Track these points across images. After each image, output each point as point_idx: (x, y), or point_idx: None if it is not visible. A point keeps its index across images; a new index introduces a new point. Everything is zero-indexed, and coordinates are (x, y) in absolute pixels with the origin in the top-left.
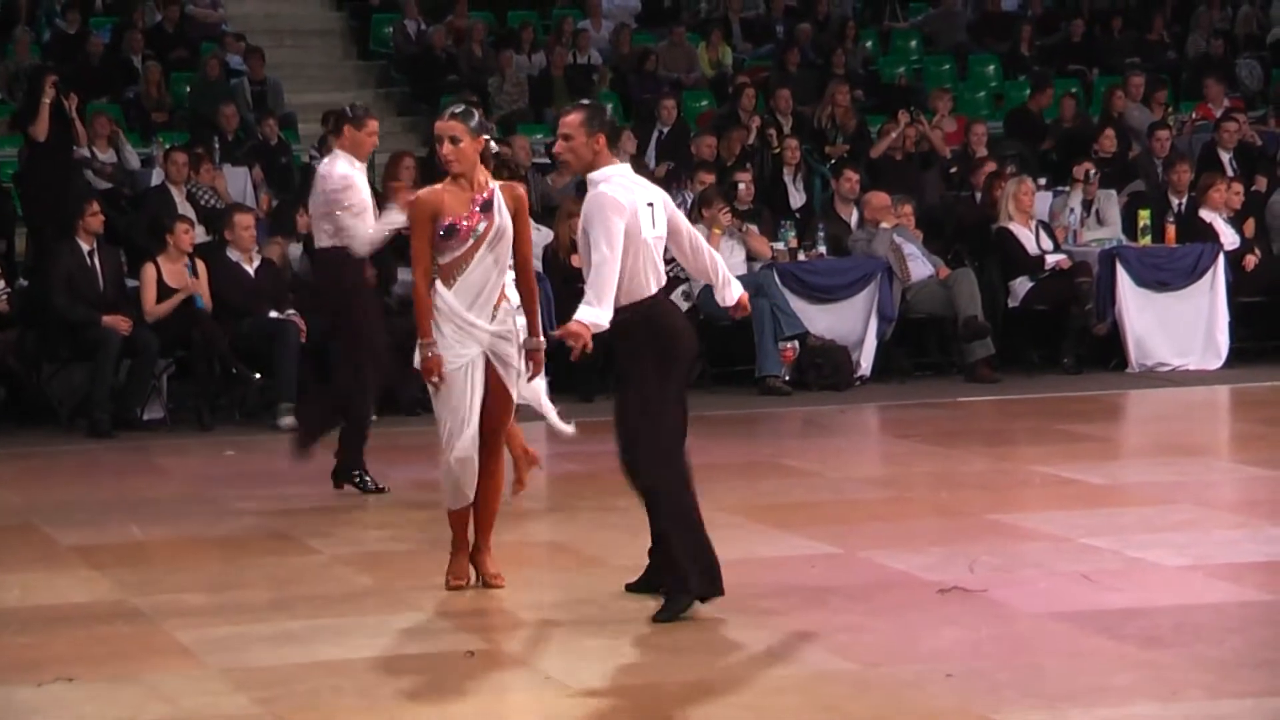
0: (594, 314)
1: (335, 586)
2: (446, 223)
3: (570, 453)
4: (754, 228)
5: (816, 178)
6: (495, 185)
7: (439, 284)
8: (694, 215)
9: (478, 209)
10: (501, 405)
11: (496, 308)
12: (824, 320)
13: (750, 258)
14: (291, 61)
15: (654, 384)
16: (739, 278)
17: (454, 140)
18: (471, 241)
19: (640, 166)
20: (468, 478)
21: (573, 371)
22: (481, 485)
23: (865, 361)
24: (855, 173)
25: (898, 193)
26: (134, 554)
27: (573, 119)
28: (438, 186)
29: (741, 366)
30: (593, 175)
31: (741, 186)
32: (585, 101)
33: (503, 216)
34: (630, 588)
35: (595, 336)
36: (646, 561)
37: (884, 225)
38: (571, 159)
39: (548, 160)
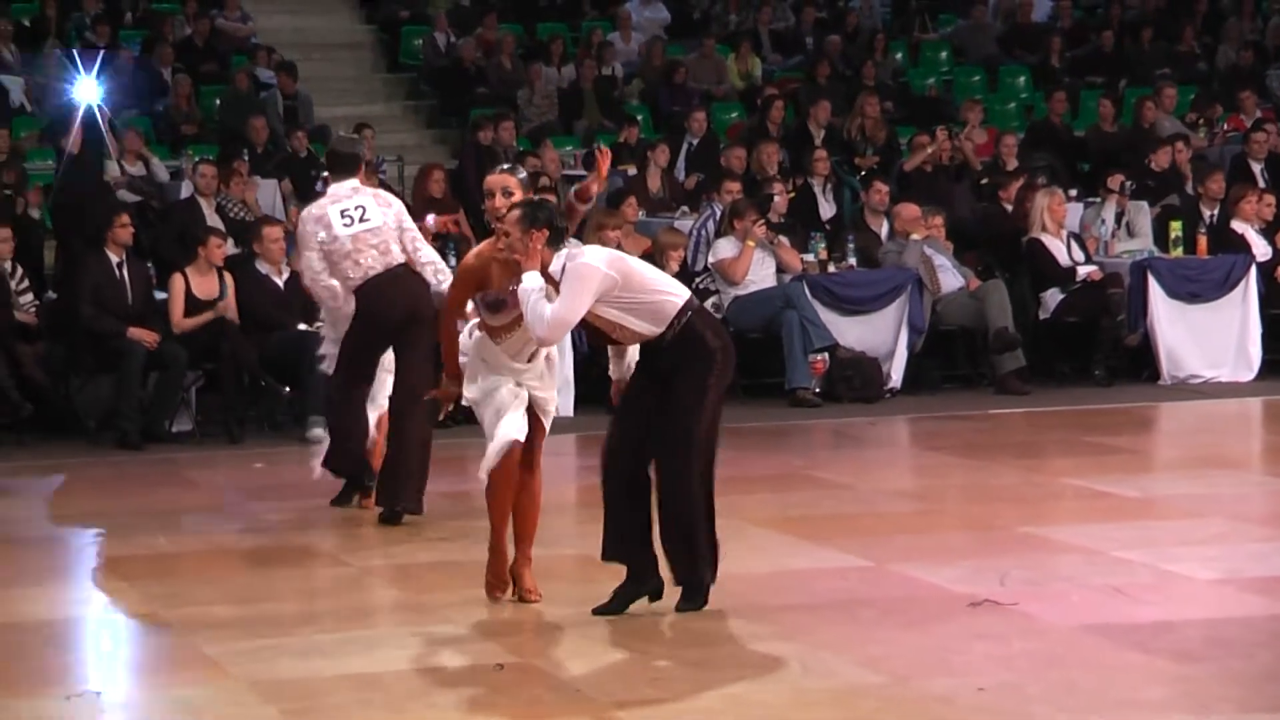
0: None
1: (364, 599)
2: (493, 296)
3: (598, 467)
4: (784, 240)
5: (846, 189)
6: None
7: (487, 339)
8: (725, 227)
9: (519, 284)
10: (537, 426)
11: (541, 360)
12: (854, 332)
13: (780, 269)
14: (321, 75)
15: (716, 394)
16: (769, 290)
17: (506, 193)
18: (517, 310)
19: (670, 179)
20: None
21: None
22: (520, 499)
23: (895, 373)
24: (885, 184)
25: (928, 204)
26: (162, 566)
27: (511, 216)
28: (486, 252)
29: (771, 379)
30: (552, 268)
31: (777, 199)
32: (535, 198)
33: (551, 285)
34: (601, 610)
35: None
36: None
37: (914, 237)
38: (517, 257)
39: (579, 172)
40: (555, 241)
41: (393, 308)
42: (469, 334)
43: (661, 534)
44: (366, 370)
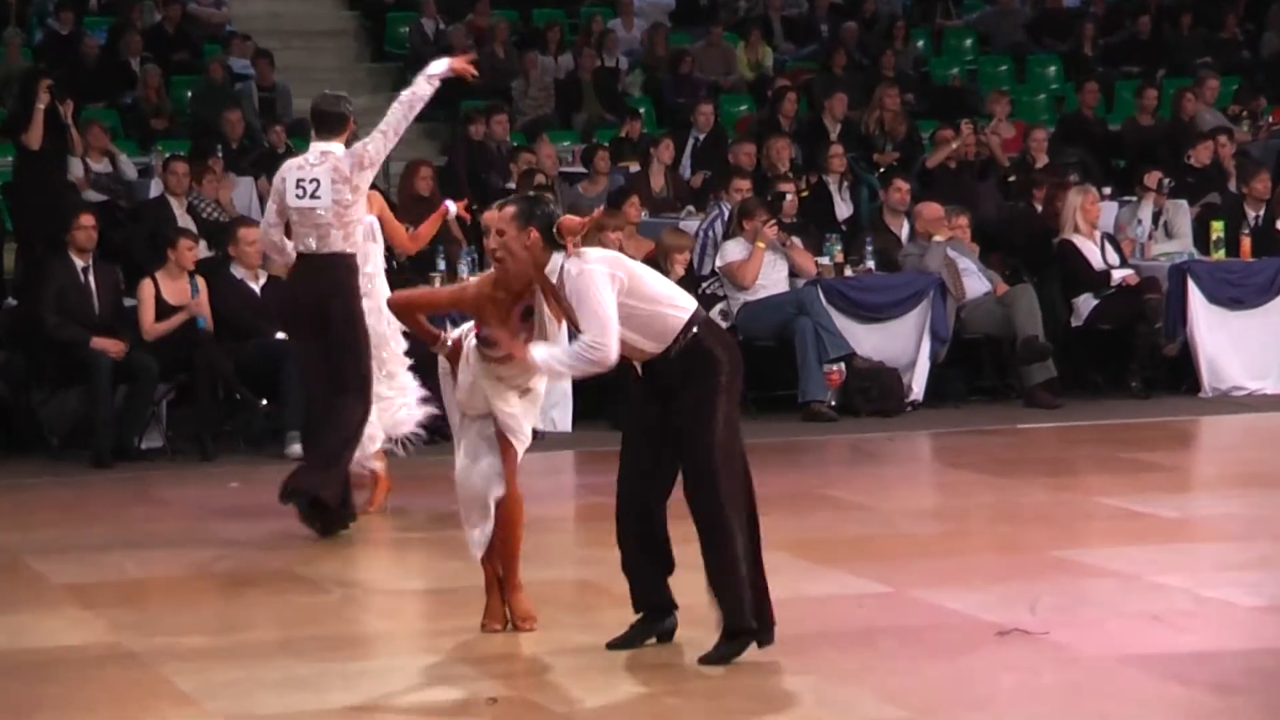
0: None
1: (347, 628)
2: (486, 333)
3: (599, 484)
4: (798, 241)
5: (864, 188)
6: (539, 292)
7: (474, 354)
8: (733, 228)
9: (519, 317)
10: (507, 448)
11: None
12: (872, 341)
13: (793, 273)
14: (300, 64)
15: (729, 411)
16: (781, 295)
17: (500, 231)
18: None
19: (675, 176)
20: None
21: (602, 398)
22: (499, 522)
23: (917, 385)
24: (906, 182)
25: (952, 203)
26: (130, 593)
27: (505, 212)
28: (486, 289)
29: (783, 390)
30: (548, 269)
31: (788, 196)
32: (531, 193)
33: (543, 327)
34: (615, 644)
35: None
36: (674, 600)
37: (937, 238)
38: (505, 257)
39: (579, 169)
40: (552, 240)
41: (300, 299)
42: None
43: (706, 572)
44: (315, 366)
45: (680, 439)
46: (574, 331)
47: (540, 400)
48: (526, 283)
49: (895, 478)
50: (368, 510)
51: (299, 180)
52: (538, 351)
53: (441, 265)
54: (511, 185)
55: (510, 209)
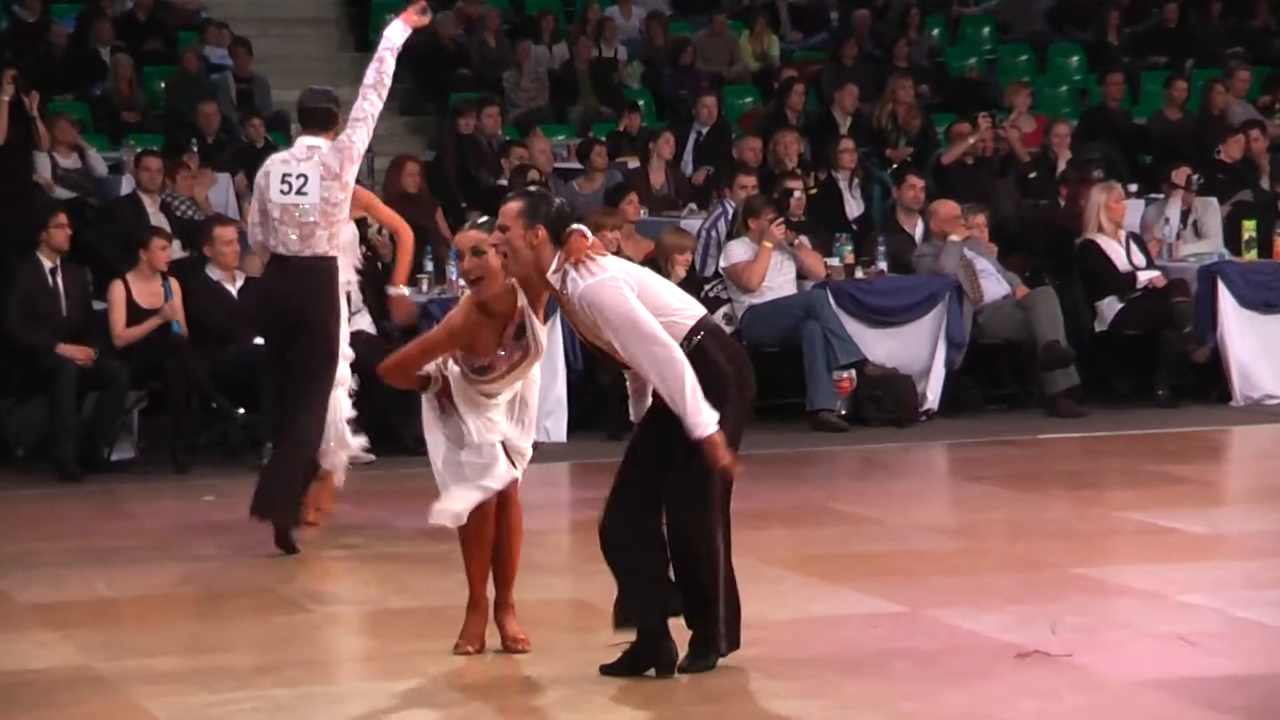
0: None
1: (328, 649)
2: (477, 363)
3: (595, 498)
4: (805, 241)
5: (876, 185)
6: (525, 303)
7: (462, 377)
8: (738, 227)
9: (511, 338)
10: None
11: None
12: (884, 346)
13: (801, 276)
14: (280, 54)
15: (737, 425)
16: (788, 298)
17: (477, 252)
18: (504, 369)
19: (676, 172)
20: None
21: (599, 406)
22: (499, 538)
23: (932, 393)
24: (920, 179)
25: (969, 201)
26: (100, 612)
27: (510, 207)
28: (473, 316)
29: (790, 399)
30: (550, 274)
31: (796, 194)
32: (530, 189)
33: (537, 341)
34: (608, 670)
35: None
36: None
37: (953, 238)
38: (508, 255)
39: (574, 165)
40: (558, 240)
41: (273, 302)
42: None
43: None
44: (276, 367)
45: (678, 465)
46: (584, 345)
47: (535, 413)
48: (512, 300)
49: (909, 491)
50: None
51: (284, 175)
52: (701, 424)
53: (429, 266)
54: (503, 182)
55: (516, 204)
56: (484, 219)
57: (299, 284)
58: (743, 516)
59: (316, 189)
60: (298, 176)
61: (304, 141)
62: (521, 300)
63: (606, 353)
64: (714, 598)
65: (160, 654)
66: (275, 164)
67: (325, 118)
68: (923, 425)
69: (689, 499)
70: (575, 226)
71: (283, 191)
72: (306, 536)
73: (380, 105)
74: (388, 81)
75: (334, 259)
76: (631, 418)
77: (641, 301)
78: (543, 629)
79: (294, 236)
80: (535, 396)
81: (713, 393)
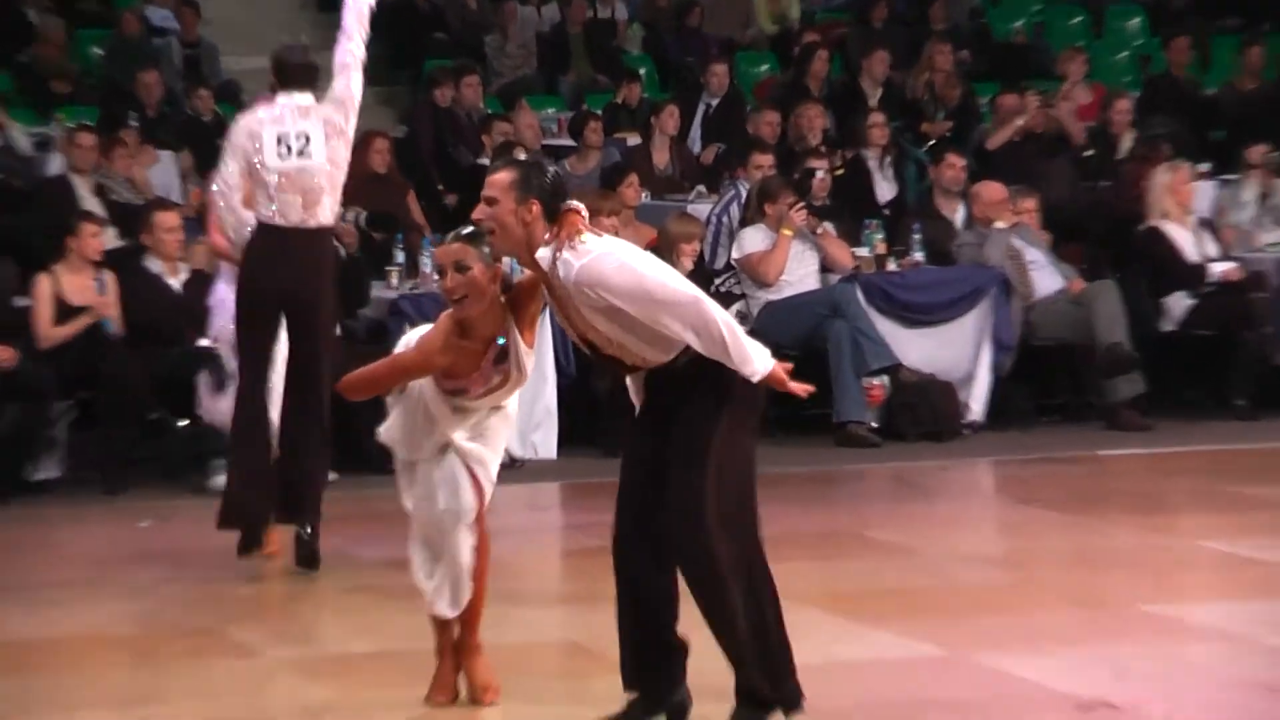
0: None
1: (279, 699)
2: (450, 385)
3: (589, 523)
4: (831, 228)
5: (910, 164)
6: (511, 325)
7: (432, 383)
8: (753, 213)
9: (491, 363)
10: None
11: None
12: (921, 349)
13: (825, 268)
14: (230, 17)
15: (732, 432)
16: (811, 294)
17: (461, 268)
18: (480, 392)
19: (682, 150)
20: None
21: (594, 417)
22: None
23: (975, 402)
24: (961, 158)
25: (1017, 183)
26: (18, 657)
27: (500, 178)
28: (453, 340)
29: (814, 409)
30: (541, 254)
31: (819, 174)
32: (525, 157)
33: (521, 368)
34: None
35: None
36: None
37: (999, 225)
38: (496, 232)
39: (566, 142)
40: (552, 217)
41: (272, 281)
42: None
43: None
44: (259, 363)
45: (670, 458)
46: (579, 348)
47: (513, 422)
48: (498, 321)
49: (949, 516)
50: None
51: (280, 136)
52: (755, 370)
53: (400, 258)
54: (484, 161)
55: (507, 174)
56: (467, 229)
57: (302, 261)
58: None
59: (322, 149)
60: (298, 136)
61: (290, 100)
62: (509, 323)
63: (601, 352)
64: (727, 634)
65: (85, 707)
66: (263, 125)
67: (311, 73)
68: (965, 440)
69: (678, 505)
70: (572, 203)
71: (281, 155)
72: (257, 570)
73: (364, 52)
74: (367, 26)
75: (333, 231)
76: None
77: None
78: (529, 676)
79: (298, 204)
80: (514, 404)
81: (715, 391)
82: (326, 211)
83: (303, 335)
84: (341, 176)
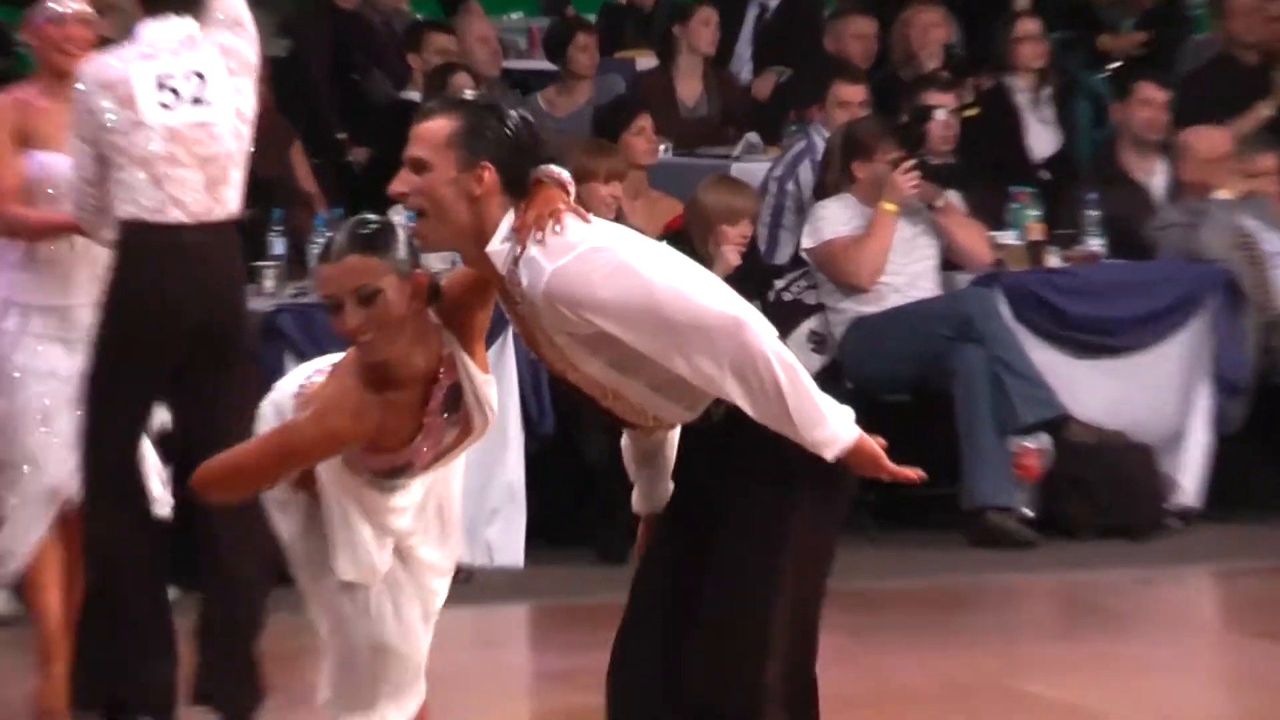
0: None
1: None
2: (387, 465)
3: (570, 671)
4: (957, 202)
5: (1082, 100)
6: (454, 348)
7: (347, 468)
8: (835, 175)
9: (437, 412)
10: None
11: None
12: (1102, 392)
13: (950, 264)
14: None
15: (806, 539)
16: (927, 304)
17: (363, 295)
18: (431, 459)
19: (722, 78)
20: None
21: (581, 501)
22: None
23: (1188, 477)
24: (1162, 90)
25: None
26: None
27: (432, 128)
28: (369, 390)
29: (934, 490)
30: (496, 248)
31: (939, 115)
32: (470, 94)
33: (484, 407)
34: None
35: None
36: None
37: (1221, 194)
38: (427, 213)
39: (541, 64)
40: (515, 188)
41: (172, 303)
42: None
43: None
44: (127, 437)
45: (713, 574)
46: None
47: (458, 513)
48: (433, 349)
49: (1153, 659)
50: None
51: (161, 80)
52: (828, 438)
53: (279, 248)
54: (412, 95)
55: (444, 122)
56: (369, 223)
57: (214, 272)
58: (846, 701)
59: (226, 91)
60: (187, 76)
61: (162, 28)
62: (449, 346)
63: (588, 394)
64: None
65: None
66: (128, 65)
67: None
68: (1174, 536)
69: (726, 669)
70: (550, 169)
71: (164, 106)
72: None
73: None
74: None
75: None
76: (638, 510)
77: None
78: None
79: (198, 182)
80: (458, 486)
81: (774, 475)
82: (234, 192)
83: (219, 388)
84: (247, 139)
